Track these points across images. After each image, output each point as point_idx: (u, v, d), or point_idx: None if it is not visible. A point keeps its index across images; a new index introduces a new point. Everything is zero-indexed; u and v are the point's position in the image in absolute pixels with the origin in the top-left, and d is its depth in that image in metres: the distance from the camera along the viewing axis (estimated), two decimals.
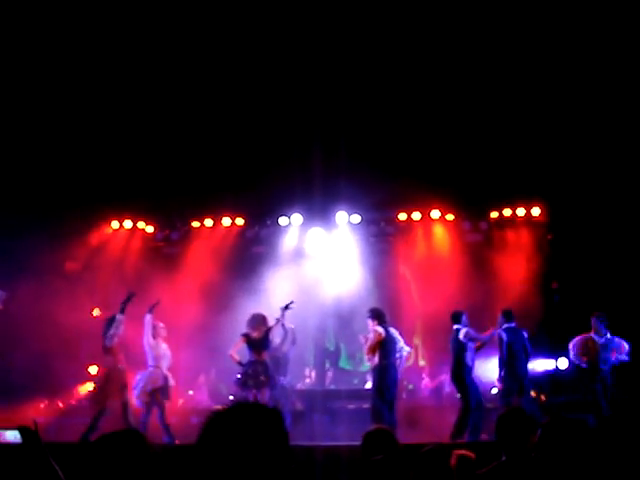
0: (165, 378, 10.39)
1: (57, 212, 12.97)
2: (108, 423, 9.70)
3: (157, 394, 10.27)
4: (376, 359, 10.11)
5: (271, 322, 10.52)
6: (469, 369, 10.22)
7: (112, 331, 10.27)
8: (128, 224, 14.38)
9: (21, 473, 3.28)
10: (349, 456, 8.04)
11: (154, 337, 10.47)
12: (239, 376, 10.21)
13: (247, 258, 14.21)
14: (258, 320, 10.44)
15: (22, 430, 3.30)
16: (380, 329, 10.13)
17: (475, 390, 10.17)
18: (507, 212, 13.62)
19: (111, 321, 10.38)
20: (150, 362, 10.40)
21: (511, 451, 4.07)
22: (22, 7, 11.10)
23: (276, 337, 11.02)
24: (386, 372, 10.07)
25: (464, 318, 10.41)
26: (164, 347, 10.58)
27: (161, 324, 10.63)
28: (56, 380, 12.69)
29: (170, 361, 10.64)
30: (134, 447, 2.59)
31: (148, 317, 10.41)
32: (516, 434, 4.06)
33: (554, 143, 12.24)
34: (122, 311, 10.38)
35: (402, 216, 13.87)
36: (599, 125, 12.03)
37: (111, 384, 10.17)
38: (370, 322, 10.29)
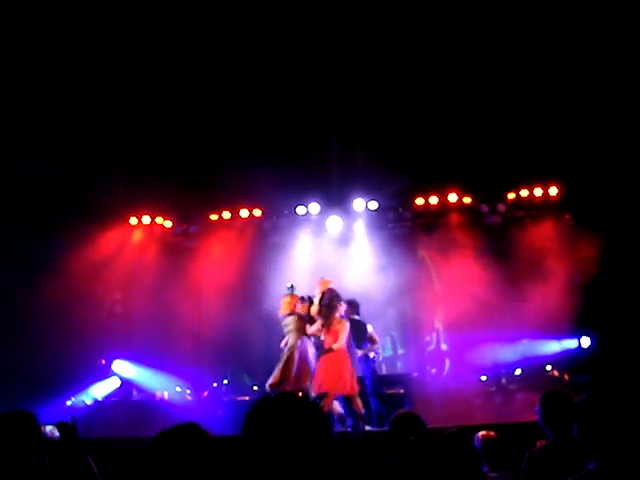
0: None
1: (75, 211, 13.05)
2: None
3: None
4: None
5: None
6: None
7: None
8: (146, 220, 14.42)
9: (57, 468, 3.31)
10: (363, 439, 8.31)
11: None
12: None
13: (266, 248, 14.20)
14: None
15: (60, 425, 3.35)
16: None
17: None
18: (524, 193, 13.55)
19: None
20: None
21: (560, 431, 4.08)
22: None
23: None
24: None
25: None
26: None
27: None
28: (79, 377, 12.84)
29: None
30: (195, 441, 2.61)
31: None
32: (564, 415, 4.07)
33: (569, 123, 12.15)
34: None
35: (419, 201, 13.84)
36: (614, 105, 11.94)
37: None
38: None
